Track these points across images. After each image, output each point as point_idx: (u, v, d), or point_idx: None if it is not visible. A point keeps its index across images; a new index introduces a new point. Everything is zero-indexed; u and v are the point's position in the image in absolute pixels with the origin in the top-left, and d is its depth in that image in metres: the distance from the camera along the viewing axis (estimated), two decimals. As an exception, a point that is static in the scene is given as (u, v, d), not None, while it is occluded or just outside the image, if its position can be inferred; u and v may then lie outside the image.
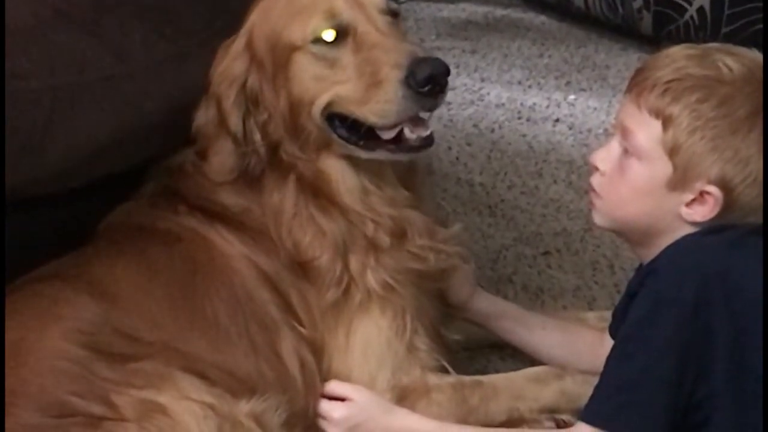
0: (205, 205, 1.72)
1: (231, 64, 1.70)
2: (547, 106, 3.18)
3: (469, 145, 2.92)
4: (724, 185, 1.51)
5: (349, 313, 1.72)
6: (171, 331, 1.58)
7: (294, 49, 1.66)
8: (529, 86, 3.34)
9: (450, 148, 2.88)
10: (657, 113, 1.54)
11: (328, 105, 1.66)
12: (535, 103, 3.19)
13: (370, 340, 1.73)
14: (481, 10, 4.06)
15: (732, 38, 3.41)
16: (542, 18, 3.97)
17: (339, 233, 1.70)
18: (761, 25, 3.23)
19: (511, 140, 2.95)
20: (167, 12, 1.74)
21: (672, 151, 1.53)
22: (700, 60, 1.56)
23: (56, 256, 1.64)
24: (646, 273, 1.55)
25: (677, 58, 1.58)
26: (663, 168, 1.54)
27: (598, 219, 1.67)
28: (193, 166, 1.75)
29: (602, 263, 2.33)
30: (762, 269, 1.45)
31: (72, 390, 1.43)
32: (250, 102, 1.69)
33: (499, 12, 4.05)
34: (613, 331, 1.66)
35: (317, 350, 1.71)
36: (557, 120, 3.08)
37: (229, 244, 1.69)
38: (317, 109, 1.67)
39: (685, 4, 3.37)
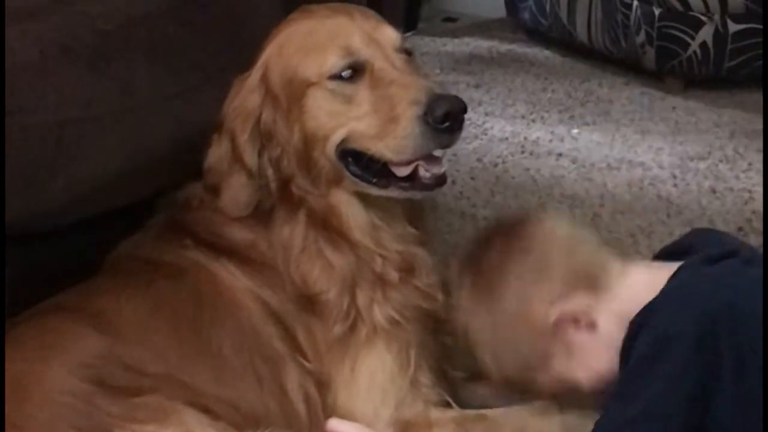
0: (211, 240, 1.72)
1: (246, 98, 1.70)
2: (551, 140, 3.19)
3: (473, 179, 2.92)
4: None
5: (354, 347, 1.72)
6: (175, 365, 1.58)
7: (309, 84, 1.67)
8: (533, 120, 3.35)
9: (454, 182, 2.89)
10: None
11: (343, 141, 1.67)
12: (538, 137, 3.20)
13: (375, 375, 1.72)
14: (485, 44, 4.09)
15: (734, 73, 3.44)
16: (546, 53, 3.99)
17: (347, 267, 1.70)
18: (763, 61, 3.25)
19: (514, 174, 2.96)
20: (173, 47, 1.76)
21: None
22: None
23: (62, 289, 1.65)
24: (647, 308, 1.55)
25: None
26: None
27: None
28: (199, 200, 1.75)
29: (605, 297, 2.33)
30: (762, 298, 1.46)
31: (75, 424, 1.42)
32: (264, 137, 1.70)
33: (504, 47, 4.07)
34: None
35: (322, 385, 1.71)
36: (560, 154, 3.09)
37: (234, 279, 1.69)
38: (332, 145, 1.67)
39: (688, 39, 3.39)
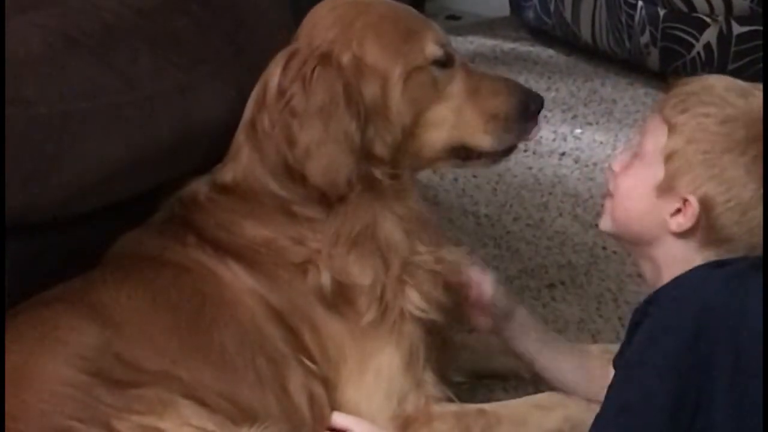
0: (218, 238, 1.70)
1: (345, 76, 1.67)
2: (554, 140, 3.19)
3: (475, 177, 2.92)
4: (704, 201, 1.54)
5: (371, 340, 1.72)
6: (174, 358, 1.57)
7: (414, 68, 1.71)
8: (536, 119, 3.34)
9: (456, 180, 2.89)
10: (667, 121, 1.59)
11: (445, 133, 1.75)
12: (541, 136, 3.19)
13: (382, 371, 1.73)
14: (489, 43, 4.08)
15: (738, 75, 3.40)
16: (550, 52, 3.99)
17: (396, 252, 1.72)
18: (768, 62, 3.25)
19: (517, 173, 2.96)
20: (178, 41, 1.76)
21: (667, 158, 1.57)
22: (731, 83, 1.62)
23: (62, 281, 1.64)
24: (648, 301, 1.56)
25: (711, 78, 1.65)
26: (656, 173, 1.58)
27: (602, 221, 1.71)
28: (206, 197, 1.74)
29: (607, 297, 2.33)
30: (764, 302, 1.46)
31: (73, 415, 1.42)
32: (362, 117, 1.68)
33: (507, 45, 4.07)
34: (617, 363, 1.67)
35: (329, 383, 1.71)
36: (563, 153, 3.09)
37: (237, 279, 1.68)
38: (442, 137, 1.75)
39: (692, 40, 3.39)
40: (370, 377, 1.72)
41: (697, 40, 3.38)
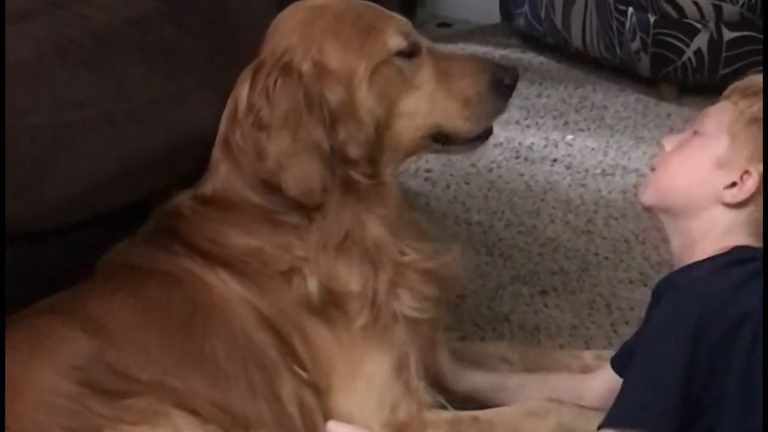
0: (204, 247, 1.70)
1: (306, 84, 1.66)
2: (545, 146, 3.20)
3: (467, 184, 2.93)
4: (762, 176, 1.62)
5: (358, 347, 1.71)
6: (166, 368, 1.57)
7: (378, 62, 1.70)
8: (528, 126, 3.36)
9: (448, 187, 2.90)
10: (735, 103, 1.68)
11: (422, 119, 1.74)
12: (533, 143, 3.21)
13: (374, 378, 1.72)
14: (480, 50, 4.09)
15: (729, 81, 3.42)
16: (541, 58, 4.00)
17: (383, 255, 1.72)
18: (759, 68, 3.26)
19: (508, 179, 2.97)
20: (168, 49, 1.75)
21: (732, 134, 1.65)
22: None
23: (54, 291, 1.64)
24: (667, 279, 1.63)
25: None
26: (718, 145, 1.65)
27: (644, 194, 1.78)
28: (190, 210, 1.74)
29: (599, 303, 2.33)
30: None
31: (66, 426, 1.42)
32: (330, 122, 1.67)
33: (498, 52, 4.08)
34: (616, 363, 1.72)
35: (319, 391, 1.70)
36: (555, 160, 3.10)
37: (228, 288, 1.68)
38: (417, 127, 1.74)
39: (683, 46, 3.40)
40: (361, 384, 1.72)
41: (688, 45, 3.40)
